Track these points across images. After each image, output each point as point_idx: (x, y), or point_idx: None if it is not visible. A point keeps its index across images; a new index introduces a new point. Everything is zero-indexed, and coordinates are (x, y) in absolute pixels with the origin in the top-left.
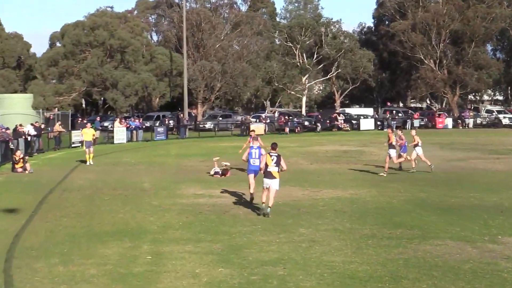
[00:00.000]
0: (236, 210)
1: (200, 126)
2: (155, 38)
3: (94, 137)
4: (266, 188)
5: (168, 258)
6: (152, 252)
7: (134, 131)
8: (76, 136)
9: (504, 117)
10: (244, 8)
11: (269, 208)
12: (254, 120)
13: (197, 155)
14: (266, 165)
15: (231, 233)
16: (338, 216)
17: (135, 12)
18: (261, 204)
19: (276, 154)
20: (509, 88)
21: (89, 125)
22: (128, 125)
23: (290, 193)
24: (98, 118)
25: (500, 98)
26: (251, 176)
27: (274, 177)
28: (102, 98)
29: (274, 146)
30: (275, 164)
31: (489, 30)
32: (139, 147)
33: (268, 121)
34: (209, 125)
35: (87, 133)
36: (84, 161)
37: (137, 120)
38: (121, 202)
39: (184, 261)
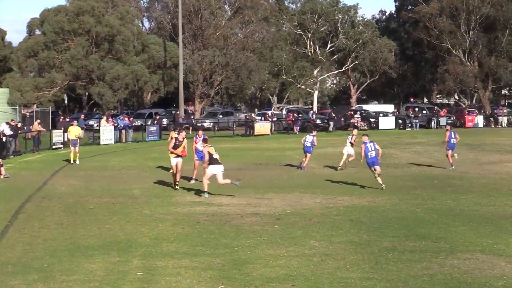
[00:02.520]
0: (238, 220)
1: (198, 124)
2: (147, 25)
3: (77, 136)
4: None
5: (162, 274)
6: (143, 267)
7: (123, 131)
8: (58, 136)
9: None
10: None
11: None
12: (259, 118)
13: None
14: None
15: (233, 246)
16: (354, 226)
17: None
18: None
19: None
20: None
21: (75, 122)
22: (116, 124)
23: (300, 201)
24: (82, 116)
25: None
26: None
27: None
28: (86, 93)
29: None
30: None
31: None
32: (128, 149)
33: (275, 119)
34: (207, 123)
35: (72, 131)
36: (69, 160)
37: (126, 118)
38: (108, 211)
39: (179, 277)
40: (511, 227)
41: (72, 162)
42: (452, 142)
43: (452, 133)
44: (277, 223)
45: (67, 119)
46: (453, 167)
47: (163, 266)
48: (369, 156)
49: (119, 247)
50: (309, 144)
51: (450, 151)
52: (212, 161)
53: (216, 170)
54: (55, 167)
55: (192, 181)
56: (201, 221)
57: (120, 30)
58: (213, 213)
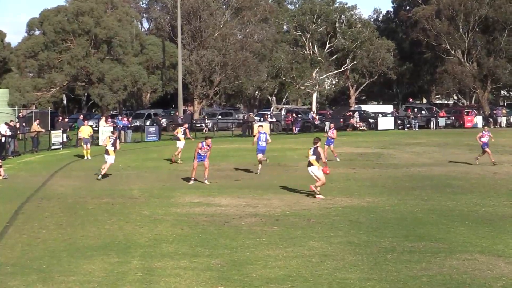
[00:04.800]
0: (237, 220)
1: (197, 125)
2: (146, 25)
3: (89, 135)
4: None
5: (161, 275)
6: (142, 268)
7: (122, 131)
8: (57, 136)
9: None
10: None
11: None
12: (258, 118)
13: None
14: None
15: (232, 247)
16: (353, 227)
17: None
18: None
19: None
20: None
21: (86, 122)
22: (115, 124)
23: (299, 201)
24: (81, 117)
25: None
26: None
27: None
28: (85, 94)
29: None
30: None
31: None
32: (127, 149)
33: (274, 119)
34: (207, 123)
35: (84, 130)
36: (82, 156)
37: (125, 119)
38: (107, 212)
39: (178, 278)
40: (510, 227)
41: (85, 158)
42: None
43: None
44: (276, 224)
45: (66, 120)
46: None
47: (162, 267)
48: (260, 145)
49: (118, 248)
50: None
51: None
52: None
53: None
54: (54, 168)
55: (191, 182)
56: (200, 222)
57: (119, 32)
58: (212, 214)
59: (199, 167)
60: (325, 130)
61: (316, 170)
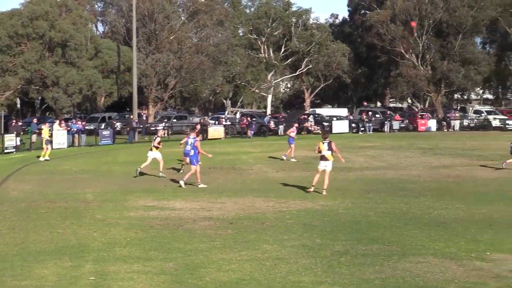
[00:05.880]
0: (191, 224)
1: (152, 128)
2: (101, 29)
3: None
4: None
5: (114, 279)
6: (95, 272)
7: (76, 135)
8: (10, 140)
9: (494, 119)
10: None
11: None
12: (213, 122)
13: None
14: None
15: (186, 251)
16: (307, 230)
17: None
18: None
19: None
20: (500, 86)
21: (47, 124)
22: (69, 128)
23: (253, 205)
24: (34, 120)
25: (490, 97)
26: None
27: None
28: (40, 97)
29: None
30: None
31: (477, 20)
32: (81, 153)
33: (229, 123)
34: (161, 127)
35: (47, 132)
36: (38, 156)
37: (79, 122)
38: (60, 216)
39: (132, 282)
40: (463, 230)
41: (43, 158)
42: None
43: None
44: (230, 227)
45: (20, 123)
46: None
47: (115, 271)
48: (186, 149)
49: (71, 252)
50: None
51: None
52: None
53: None
54: (7, 172)
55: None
56: (154, 226)
57: (73, 35)
58: (166, 218)
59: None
60: (279, 134)
61: (331, 165)
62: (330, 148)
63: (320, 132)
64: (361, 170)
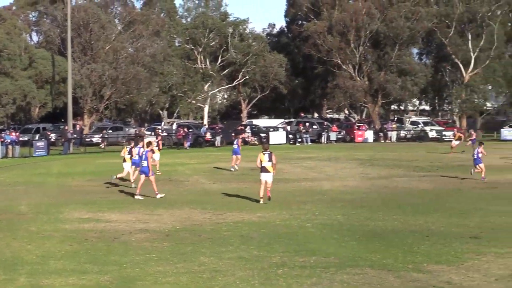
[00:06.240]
0: (127, 236)
1: (87, 140)
2: (35, 39)
3: None
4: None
5: None
6: (29, 286)
7: (10, 146)
8: None
9: (431, 130)
10: (138, 5)
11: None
12: (149, 133)
13: (83, 173)
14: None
15: (122, 263)
16: (244, 242)
17: (14, 8)
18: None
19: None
20: (436, 97)
21: None
22: (2, 139)
23: (189, 217)
24: None
25: (427, 108)
26: None
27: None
28: None
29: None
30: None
31: (414, 31)
32: (15, 165)
33: (165, 134)
34: (97, 138)
35: None
36: None
37: (13, 133)
38: None
39: None
40: (400, 241)
41: None
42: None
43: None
44: (167, 240)
45: None
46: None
47: (49, 284)
48: (135, 159)
49: (4, 265)
50: (235, 147)
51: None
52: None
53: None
54: None
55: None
56: (89, 238)
57: (7, 45)
58: (102, 230)
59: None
60: (216, 145)
61: (271, 177)
62: (270, 160)
63: (257, 143)
64: (299, 181)
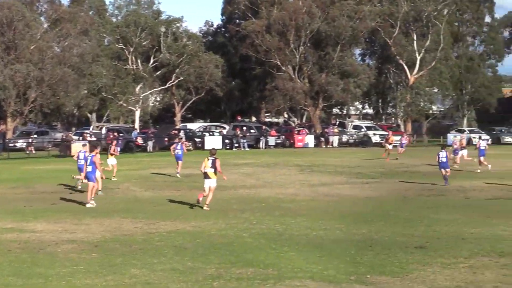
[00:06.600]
0: (53, 247)
1: (10, 145)
2: None
3: None
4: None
5: None
6: None
7: None
8: None
9: (375, 134)
10: (66, 2)
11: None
12: (77, 137)
13: (7, 180)
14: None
15: (48, 276)
16: (178, 253)
17: None
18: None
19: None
20: (380, 100)
21: None
22: None
23: (120, 226)
24: None
25: (370, 112)
26: None
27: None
28: None
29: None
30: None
31: (357, 31)
32: None
33: (94, 138)
34: (20, 143)
35: None
36: None
37: None
38: None
39: None
40: (341, 252)
41: None
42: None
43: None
44: (95, 251)
45: None
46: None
47: None
48: (80, 164)
49: None
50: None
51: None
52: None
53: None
54: None
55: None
56: (13, 249)
57: None
58: (26, 241)
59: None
60: (148, 150)
61: (214, 183)
62: (213, 166)
63: (192, 149)
64: (235, 189)
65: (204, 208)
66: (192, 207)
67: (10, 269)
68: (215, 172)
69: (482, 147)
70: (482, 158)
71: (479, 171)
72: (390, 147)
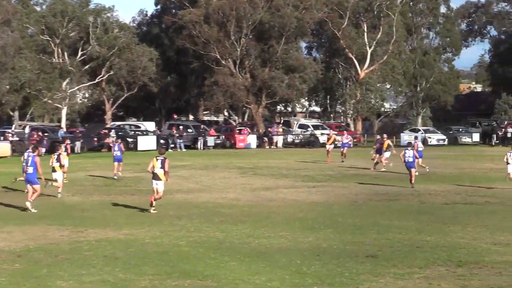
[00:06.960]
0: None
1: None
2: None
3: None
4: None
5: None
6: None
7: None
8: None
9: (322, 134)
10: None
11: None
12: None
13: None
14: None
15: None
16: (109, 263)
17: None
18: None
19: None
20: (328, 96)
21: None
22: None
23: (45, 234)
24: None
25: (317, 109)
26: None
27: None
28: None
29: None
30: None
31: (303, 22)
32: None
33: (17, 138)
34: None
35: None
36: None
37: None
38: None
39: None
40: (287, 261)
41: None
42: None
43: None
44: (18, 261)
45: None
46: None
47: None
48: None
49: None
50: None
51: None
52: None
53: None
54: None
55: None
56: None
57: None
58: None
59: None
60: (76, 151)
61: (163, 185)
62: (163, 166)
63: (123, 149)
64: (171, 193)
65: (151, 211)
66: (117, 216)
67: None
68: (164, 174)
69: (420, 148)
70: (420, 160)
71: (417, 173)
72: (331, 147)
